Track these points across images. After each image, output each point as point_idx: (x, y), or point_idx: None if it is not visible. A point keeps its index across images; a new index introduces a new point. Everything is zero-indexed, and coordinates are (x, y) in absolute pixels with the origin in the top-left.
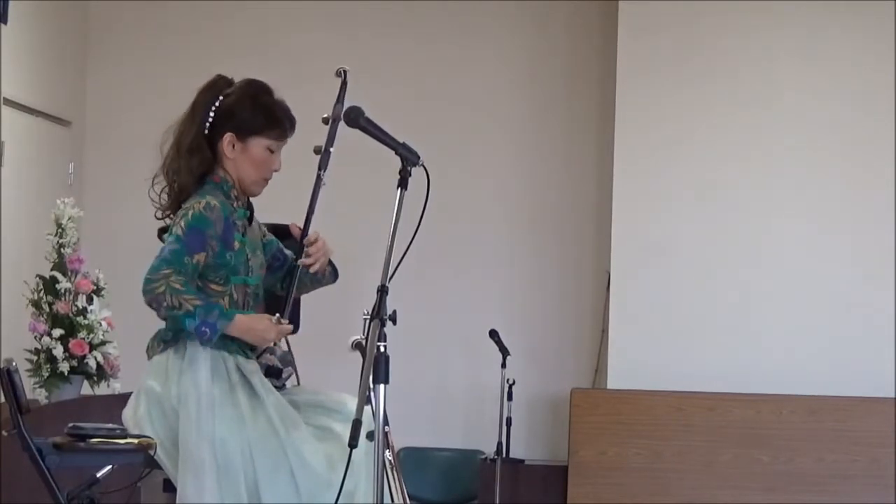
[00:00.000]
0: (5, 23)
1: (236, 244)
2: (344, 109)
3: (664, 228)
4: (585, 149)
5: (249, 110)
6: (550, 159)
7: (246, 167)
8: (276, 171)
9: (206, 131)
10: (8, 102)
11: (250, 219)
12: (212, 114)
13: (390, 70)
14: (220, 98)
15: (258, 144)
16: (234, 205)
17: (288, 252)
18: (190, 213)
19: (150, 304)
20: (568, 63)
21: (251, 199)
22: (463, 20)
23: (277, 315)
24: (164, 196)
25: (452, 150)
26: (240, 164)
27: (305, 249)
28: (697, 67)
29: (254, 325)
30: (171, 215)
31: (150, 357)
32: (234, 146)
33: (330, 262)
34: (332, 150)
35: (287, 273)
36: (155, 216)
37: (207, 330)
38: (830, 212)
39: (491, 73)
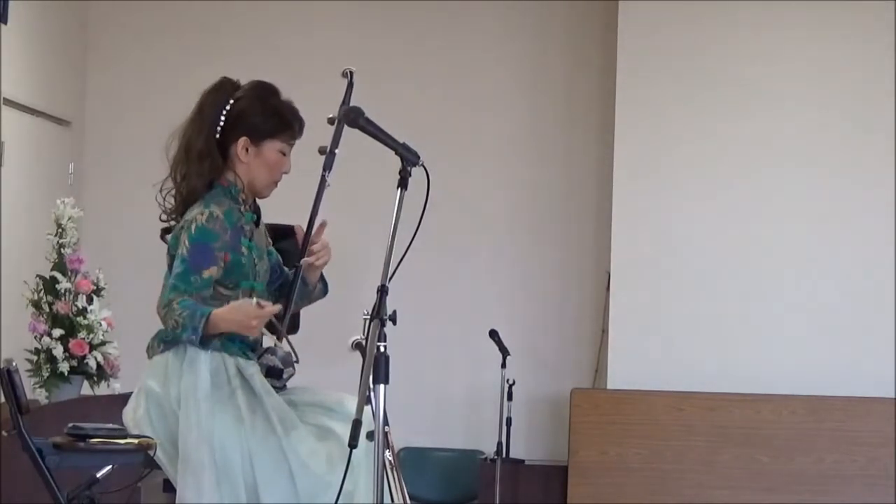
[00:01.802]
0: (5, 23)
1: (244, 249)
2: (344, 110)
3: (664, 229)
4: (585, 149)
5: (262, 114)
6: (550, 159)
7: (259, 171)
8: (286, 173)
9: (217, 136)
10: (8, 102)
11: (257, 222)
12: (222, 118)
13: (389, 70)
14: (231, 102)
15: (272, 148)
16: (242, 209)
17: (285, 269)
18: (193, 226)
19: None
20: (568, 63)
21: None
22: (463, 20)
23: (255, 299)
24: (171, 200)
25: (452, 150)
26: (253, 168)
27: (310, 248)
28: (698, 67)
29: (233, 316)
30: (177, 219)
31: (150, 357)
32: (248, 150)
33: (321, 278)
34: (336, 151)
35: (279, 287)
36: (160, 219)
37: (193, 337)
38: (831, 211)
39: (491, 72)
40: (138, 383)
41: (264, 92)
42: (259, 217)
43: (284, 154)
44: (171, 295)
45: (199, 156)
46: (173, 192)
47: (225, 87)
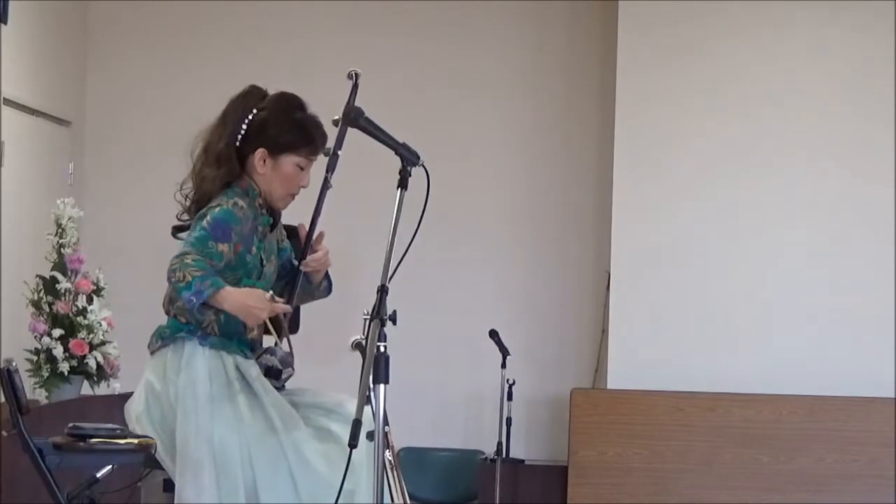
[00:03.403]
0: (5, 23)
1: (254, 248)
2: (344, 110)
3: (664, 229)
4: (585, 149)
5: (281, 127)
6: (550, 159)
7: (275, 183)
8: (304, 187)
9: (238, 143)
10: (8, 102)
11: (272, 226)
12: (244, 126)
13: (390, 70)
14: (254, 111)
15: (289, 162)
16: (259, 211)
17: (295, 263)
18: (217, 208)
19: (168, 281)
20: (568, 63)
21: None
22: (463, 20)
23: (271, 292)
24: (189, 201)
25: (452, 150)
26: (269, 180)
27: (308, 258)
28: (698, 67)
29: (246, 300)
30: (192, 219)
31: (151, 353)
32: (265, 162)
33: (326, 275)
34: (339, 152)
35: (286, 281)
36: (177, 216)
37: (194, 298)
38: (831, 212)
39: (491, 72)
40: (142, 377)
41: (287, 105)
42: (275, 222)
43: (302, 168)
44: (187, 248)
45: (217, 160)
46: (192, 192)
47: (251, 96)
